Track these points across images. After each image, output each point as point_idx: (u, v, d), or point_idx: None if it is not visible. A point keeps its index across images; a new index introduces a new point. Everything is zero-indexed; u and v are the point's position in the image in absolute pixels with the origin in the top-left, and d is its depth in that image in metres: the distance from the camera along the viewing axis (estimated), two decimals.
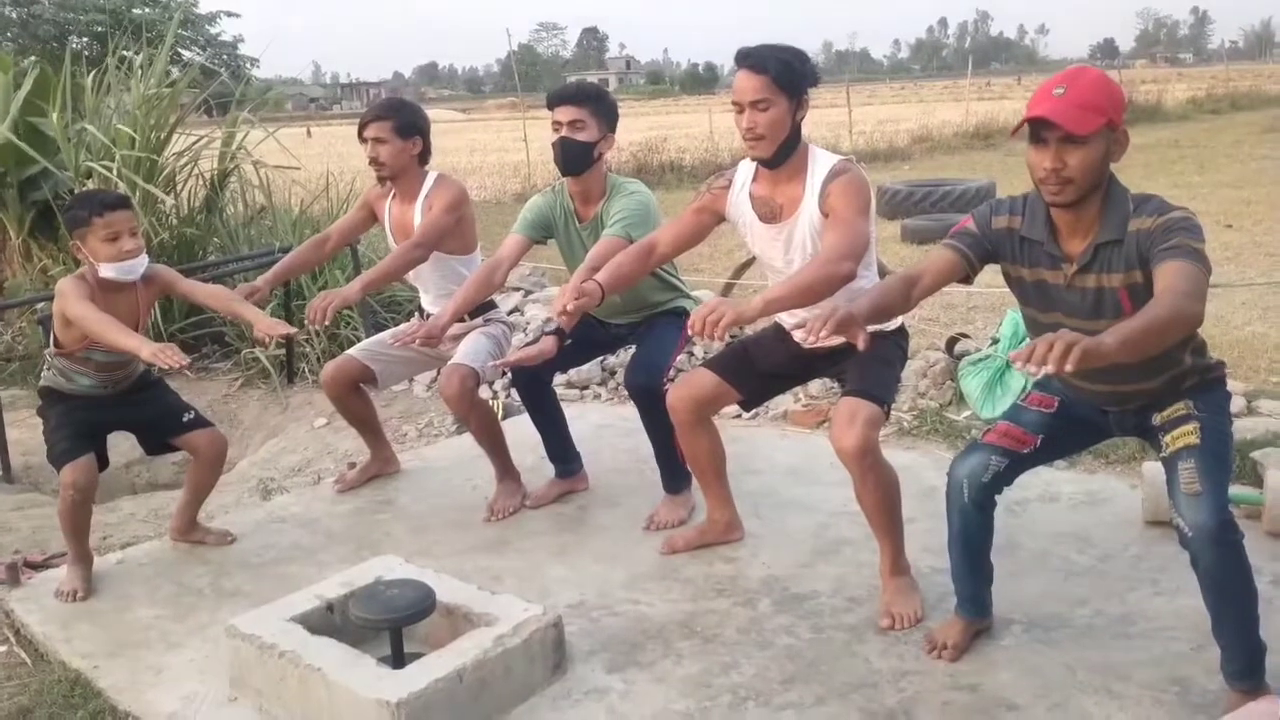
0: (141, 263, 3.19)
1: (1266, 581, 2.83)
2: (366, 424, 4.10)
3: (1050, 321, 2.38)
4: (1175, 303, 2.03)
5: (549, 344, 3.38)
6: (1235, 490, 3.26)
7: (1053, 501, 3.56)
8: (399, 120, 3.67)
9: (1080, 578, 3.04)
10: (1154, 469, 3.14)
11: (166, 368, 2.85)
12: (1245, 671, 2.30)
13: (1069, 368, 1.85)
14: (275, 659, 2.51)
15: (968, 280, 2.48)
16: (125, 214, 3.15)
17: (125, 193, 4.50)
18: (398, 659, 2.54)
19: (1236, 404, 3.99)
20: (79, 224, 3.13)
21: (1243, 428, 3.79)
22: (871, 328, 2.40)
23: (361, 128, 3.71)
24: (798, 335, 2.25)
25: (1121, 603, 2.87)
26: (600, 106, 3.49)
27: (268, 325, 3.23)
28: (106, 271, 3.13)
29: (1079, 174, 2.21)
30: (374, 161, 3.70)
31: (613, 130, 3.55)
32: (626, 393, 3.62)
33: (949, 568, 2.70)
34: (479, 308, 3.81)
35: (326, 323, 3.49)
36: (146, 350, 2.91)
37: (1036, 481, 3.54)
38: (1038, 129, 2.22)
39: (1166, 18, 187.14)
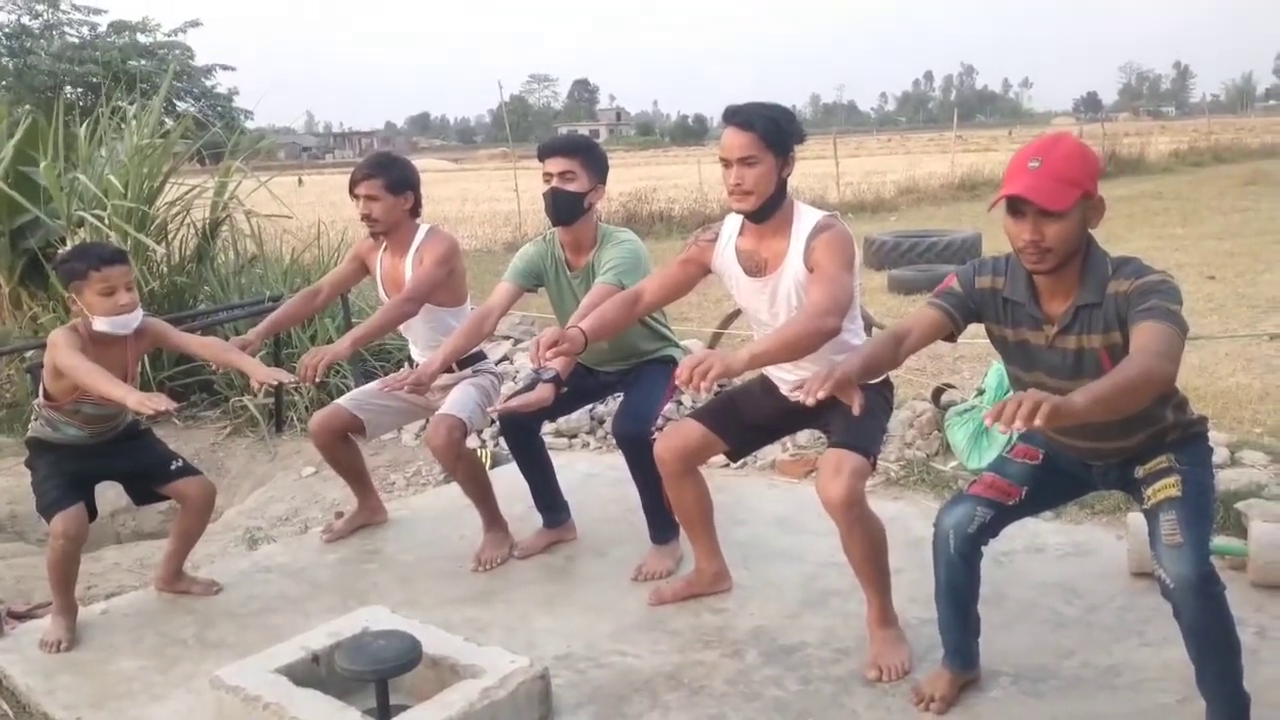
0: (136, 317, 3.21)
1: (1251, 633, 2.84)
2: (354, 473, 4.10)
3: (1033, 380, 2.41)
4: (1146, 362, 2.06)
5: (546, 391, 3.40)
6: (1219, 541, 3.28)
7: (1039, 552, 3.57)
8: (390, 177, 3.71)
9: (1067, 629, 3.04)
10: (1139, 520, 3.15)
11: (153, 413, 2.86)
12: None
13: (1038, 422, 1.88)
14: (260, 711, 2.49)
15: (952, 338, 2.52)
16: (122, 269, 3.17)
17: (121, 246, 4.53)
18: (383, 712, 2.52)
19: (1220, 455, 4.02)
20: (75, 277, 3.14)
21: (1226, 478, 3.82)
22: None
23: (353, 185, 3.74)
24: (795, 396, 2.29)
25: (1108, 654, 2.88)
26: (590, 158, 3.54)
27: (264, 374, 3.25)
28: (101, 325, 3.15)
29: (1057, 244, 2.25)
30: (366, 218, 3.74)
31: (603, 181, 3.60)
32: (614, 441, 3.63)
33: (936, 619, 2.70)
34: (468, 358, 3.83)
35: (318, 380, 3.51)
36: (133, 399, 2.92)
37: (1023, 532, 3.56)
38: (1015, 202, 2.26)
39: (1149, 71, 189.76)
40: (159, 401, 2.85)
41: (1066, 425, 1.97)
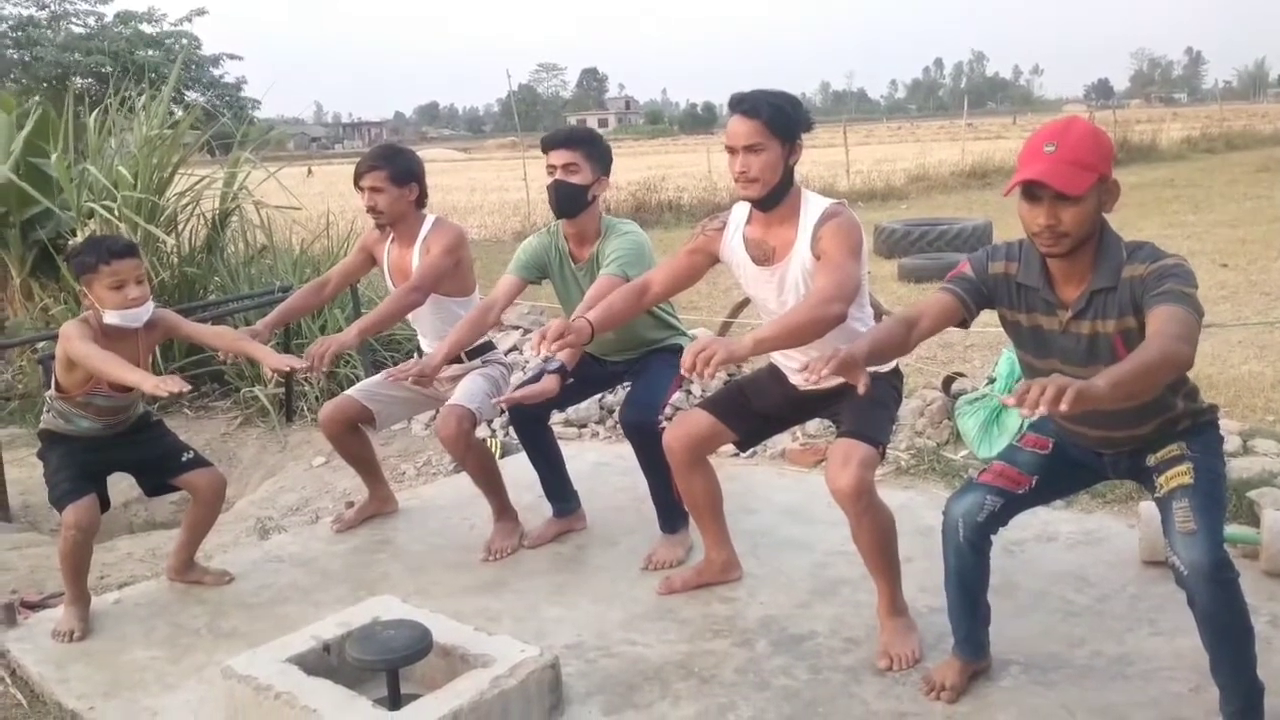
0: (146, 310, 3.21)
1: (1264, 621, 2.83)
2: (364, 463, 4.11)
3: (1046, 366, 2.40)
4: (1165, 345, 2.04)
5: (552, 383, 3.40)
6: (1232, 529, 3.26)
7: (1050, 541, 3.56)
8: (394, 168, 3.71)
9: (1078, 618, 3.03)
10: (1151, 508, 3.14)
11: (169, 395, 2.88)
12: (1243, 712, 2.29)
13: (1063, 408, 1.86)
14: (271, 700, 2.50)
15: (964, 324, 2.50)
16: (132, 262, 3.17)
17: (132, 239, 4.54)
18: (394, 701, 2.53)
19: (1233, 443, 4.00)
20: (86, 270, 3.15)
21: (1239, 467, 3.80)
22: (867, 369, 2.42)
23: (358, 177, 3.74)
24: (798, 378, 2.27)
25: (1119, 643, 2.87)
26: (594, 150, 3.53)
27: (277, 361, 3.27)
28: (111, 319, 3.15)
29: (1073, 228, 2.24)
30: (372, 210, 3.74)
31: (607, 173, 3.59)
32: (622, 430, 3.63)
33: (946, 608, 2.70)
34: (477, 348, 3.83)
35: (325, 369, 3.51)
36: (149, 383, 2.94)
37: (1034, 521, 3.54)
38: (1031, 187, 2.24)
39: (1161, 58, 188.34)
40: (173, 384, 2.88)
41: (1084, 411, 1.94)
